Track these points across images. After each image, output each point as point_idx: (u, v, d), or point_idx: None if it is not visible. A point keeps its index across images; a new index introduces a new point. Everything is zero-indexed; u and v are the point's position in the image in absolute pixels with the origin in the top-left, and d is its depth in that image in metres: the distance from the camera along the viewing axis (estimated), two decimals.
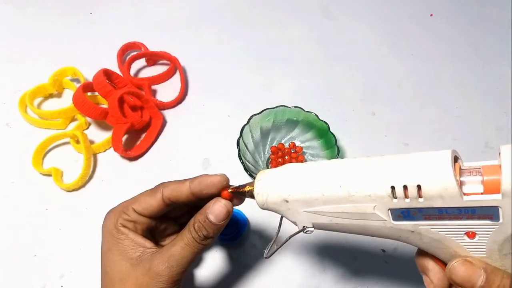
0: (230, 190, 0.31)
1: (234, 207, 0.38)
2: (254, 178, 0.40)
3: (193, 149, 0.48)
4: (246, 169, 0.41)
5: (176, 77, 0.55)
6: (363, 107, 0.53)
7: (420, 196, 0.23)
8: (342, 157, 0.48)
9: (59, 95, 0.52)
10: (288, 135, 0.48)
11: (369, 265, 0.41)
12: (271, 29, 0.62)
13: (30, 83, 0.50)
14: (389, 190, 0.24)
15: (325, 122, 0.45)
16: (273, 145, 0.47)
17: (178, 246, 0.30)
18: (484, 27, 0.65)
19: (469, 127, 0.52)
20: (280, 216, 0.30)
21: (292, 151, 0.46)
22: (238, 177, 0.45)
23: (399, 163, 0.24)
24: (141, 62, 0.56)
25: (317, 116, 0.45)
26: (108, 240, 0.31)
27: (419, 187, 0.23)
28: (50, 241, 0.41)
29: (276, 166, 0.45)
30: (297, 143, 0.47)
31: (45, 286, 0.38)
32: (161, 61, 0.57)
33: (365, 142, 0.50)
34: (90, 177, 0.45)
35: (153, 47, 0.56)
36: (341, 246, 0.42)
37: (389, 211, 0.25)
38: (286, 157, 0.45)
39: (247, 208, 0.42)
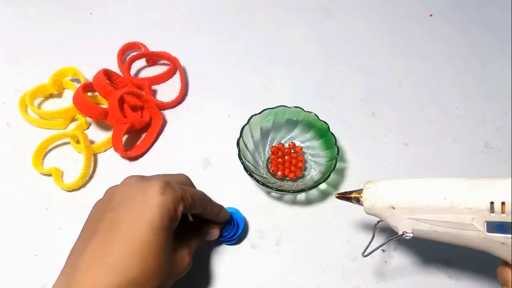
0: (337, 195, 0.36)
1: (232, 207, 0.41)
2: (254, 178, 0.40)
3: (193, 149, 0.48)
4: (246, 169, 0.41)
5: (176, 77, 0.55)
6: (363, 107, 0.53)
7: None
8: (342, 157, 0.48)
9: (59, 95, 0.52)
10: (288, 135, 0.48)
11: (369, 265, 0.41)
12: (271, 29, 0.62)
13: (31, 83, 0.50)
14: (489, 205, 0.28)
15: (325, 122, 0.45)
16: (273, 145, 0.47)
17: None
18: (484, 27, 0.65)
19: (469, 127, 0.52)
20: (377, 221, 0.34)
21: (292, 151, 0.46)
22: (238, 177, 0.45)
23: (499, 183, 0.29)
24: (141, 62, 0.56)
25: (317, 116, 0.45)
26: (162, 217, 0.29)
27: None
28: (50, 241, 0.41)
29: (276, 166, 0.45)
30: (297, 143, 0.47)
31: (45, 286, 0.38)
32: (161, 61, 0.57)
33: (365, 142, 0.50)
34: (90, 177, 0.45)
35: (153, 47, 0.56)
36: (341, 246, 0.42)
37: (485, 223, 0.29)
38: (286, 157, 0.45)
39: (246, 209, 0.43)
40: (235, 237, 0.40)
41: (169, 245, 0.30)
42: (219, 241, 0.41)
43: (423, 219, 0.31)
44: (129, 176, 0.33)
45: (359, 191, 0.34)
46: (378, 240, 0.43)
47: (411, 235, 0.32)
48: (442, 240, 0.31)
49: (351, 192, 0.35)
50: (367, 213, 0.34)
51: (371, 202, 0.33)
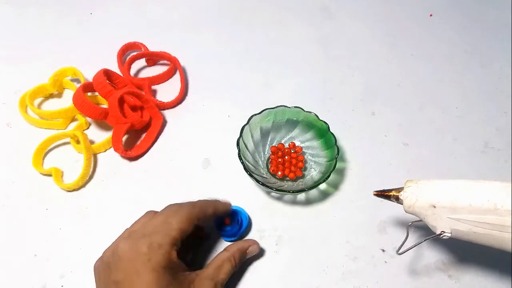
0: (375, 193, 0.36)
1: (236, 205, 0.42)
2: (254, 178, 0.40)
3: (193, 149, 0.48)
4: (246, 169, 0.41)
5: (176, 77, 0.55)
6: (363, 107, 0.53)
7: None
8: (342, 157, 0.48)
9: (59, 95, 0.52)
10: (288, 135, 0.48)
11: (369, 265, 0.41)
12: (271, 29, 0.62)
13: (31, 83, 0.50)
14: None
15: (325, 122, 0.45)
16: (273, 145, 0.47)
17: (223, 274, 0.35)
18: (484, 27, 0.65)
19: (469, 127, 0.52)
20: (414, 220, 0.34)
21: (292, 151, 0.46)
22: (238, 177, 0.45)
23: None
24: (141, 62, 0.56)
25: (317, 116, 0.45)
26: (166, 277, 0.30)
27: None
28: (50, 241, 0.41)
29: (276, 166, 0.45)
30: (297, 143, 0.47)
31: (45, 286, 0.38)
32: (161, 61, 0.57)
33: (365, 142, 0.50)
34: (90, 177, 0.45)
35: (153, 47, 0.56)
36: (341, 246, 0.42)
37: None
38: (286, 157, 0.45)
39: (246, 209, 0.43)
40: (237, 233, 0.40)
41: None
42: (220, 236, 0.41)
43: (464, 219, 0.31)
44: (120, 240, 0.34)
45: (399, 189, 0.35)
46: (388, 239, 0.43)
47: (449, 235, 0.32)
48: (480, 242, 0.31)
49: (390, 190, 0.35)
50: (406, 211, 0.34)
51: (411, 201, 0.33)
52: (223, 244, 0.41)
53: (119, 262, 0.31)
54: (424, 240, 0.34)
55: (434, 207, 0.32)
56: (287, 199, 0.45)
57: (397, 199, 0.34)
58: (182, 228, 0.33)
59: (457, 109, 0.54)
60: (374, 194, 0.36)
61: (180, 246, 0.33)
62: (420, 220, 0.34)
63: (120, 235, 0.35)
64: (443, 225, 0.32)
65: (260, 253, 0.41)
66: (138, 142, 0.48)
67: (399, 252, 0.34)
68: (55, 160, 0.46)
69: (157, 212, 0.36)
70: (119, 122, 0.45)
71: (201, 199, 0.39)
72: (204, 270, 0.34)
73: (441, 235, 0.32)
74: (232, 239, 0.41)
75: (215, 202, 0.39)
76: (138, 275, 0.30)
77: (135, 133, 0.49)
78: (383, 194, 0.36)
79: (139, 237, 0.32)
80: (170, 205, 0.36)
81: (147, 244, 0.31)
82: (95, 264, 0.34)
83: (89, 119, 0.49)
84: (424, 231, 0.42)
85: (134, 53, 0.54)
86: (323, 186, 0.45)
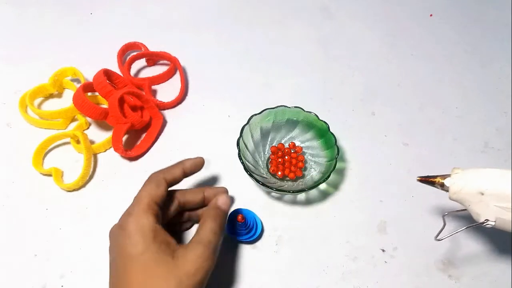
0: (418, 179, 0.36)
1: (250, 210, 0.42)
2: (254, 178, 0.40)
3: (193, 149, 0.48)
4: (246, 169, 0.41)
5: (176, 77, 0.55)
6: (363, 107, 0.53)
7: None
8: (342, 157, 0.48)
9: (59, 95, 0.52)
10: (288, 135, 0.48)
11: (369, 265, 0.41)
12: (271, 29, 0.62)
13: (31, 83, 0.50)
14: None
15: (325, 122, 0.45)
16: (273, 145, 0.47)
17: (206, 232, 0.34)
18: (484, 27, 0.65)
19: (469, 127, 0.52)
20: (451, 210, 0.36)
21: (292, 151, 0.46)
22: (238, 177, 0.45)
23: None
24: (141, 62, 0.56)
25: (317, 116, 0.45)
26: (142, 240, 0.31)
27: None
28: (50, 241, 0.41)
29: (276, 166, 0.45)
30: (297, 143, 0.47)
31: (45, 286, 0.38)
32: (161, 61, 0.57)
33: (365, 142, 0.50)
34: (90, 177, 0.45)
35: (153, 47, 0.56)
36: (341, 246, 0.42)
37: None
38: (286, 157, 0.45)
39: (250, 208, 0.43)
40: (254, 233, 0.41)
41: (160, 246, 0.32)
42: (236, 239, 0.41)
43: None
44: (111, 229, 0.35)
45: (445, 176, 0.34)
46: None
47: (493, 223, 0.32)
48: None
49: (435, 177, 0.35)
50: (450, 198, 0.34)
51: (458, 187, 0.33)
52: (223, 245, 0.41)
53: (110, 243, 0.33)
54: (466, 228, 0.34)
55: (482, 194, 0.32)
56: (287, 199, 0.45)
57: (442, 186, 0.34)
58: (151, 193, 0.34)
59: (457, 109, 0.54)
60: (418, 180, 0.36)
61: (158, 212, 0.34)
62: (457, 210, 0.34)
63: None
64: (488, 214, 0.32)
65: (260, 253, 0.41)
66: (138, 142, 0.48)
67: (437, 238, 0.35)
68: (55, 160, 0.46)
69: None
70: (119, 122, 0.45)
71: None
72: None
73: (485, 224, 0.32)
74: (247, 236, 0.40)
75: (182, 161, 0.39)
76: (120, 248, 0.32)
77: (135, 133, 0.49)
78: (427, 180, 0.35)
79: (122, 215, 0.34)
80: (148, 178, 0.37)
81: (123, 217, 0.33)
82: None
83: (89, 119, 0.49)
84: (457, 221, 0.43)
85: (134, 53, 0.54)
86: (323, 186, 0.45)
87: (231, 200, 0.43)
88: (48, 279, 0.38)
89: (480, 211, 0.32)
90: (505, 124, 0.53)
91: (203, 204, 0.39)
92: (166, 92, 0.53)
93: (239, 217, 0.39)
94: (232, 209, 0.42)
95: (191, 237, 0.34)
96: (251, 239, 0.40)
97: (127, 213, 0.33)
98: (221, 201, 0.37)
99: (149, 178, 0.36)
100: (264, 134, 0.47)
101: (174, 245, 0.33)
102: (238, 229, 0.39)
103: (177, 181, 0.37)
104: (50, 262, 0.39)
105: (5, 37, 0.57)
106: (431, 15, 0.66)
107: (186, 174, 0.38)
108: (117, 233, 0.33)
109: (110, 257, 0.33)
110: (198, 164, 0.39)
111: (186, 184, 0.45)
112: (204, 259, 0.32)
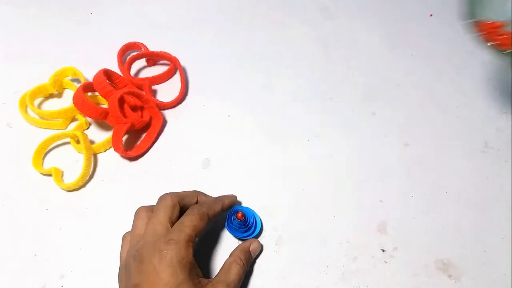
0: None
1: (250, 208, 0.43)
2: None
3: (193, 149, 0.48)
4: None
5: (176, 77, 0.55)
6: (363, 107, 0.53)
7: None
8: (342, 157, 0.48)
9: (59, 95, 0.52)
10: None
11: (369, 265, 0.41)
12: (271, 29, 0.62)
13: (31, 83, 0.50)
14: None
15: None
16: None
17: (233, 277, 0.35)
18: None
19: (469, 127, 0.52)
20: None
21: None
22: (238, 177, 0.45)
23: None
24: (142, 62, 0.56)
25: None
26: (181, 272, 0.31)
27: None
28: (50, 241, 0.41)
29: None
30: None
31: (45, 286, 0.38)
32: (161, 61, 0.57)
33: (365, 142, 0.50)
34: (90, 177, 0.45)
35: (153, 47, 0.56)
36: (341, 246, 0.42)
37: None
38: None
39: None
40: (253, 230, 0.41)
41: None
42: (237, 238, 0.41)
43: None
44: (134, 244, 0.34)
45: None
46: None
47: None
48: None
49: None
50: None
51: None
52: (223, 245, 0.41)
53: (139, 265, 0.32)
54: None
55: None
56: (287, 199, 0.45)
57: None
58: (195, 225, 0.34)
59: (457, 109, 0.54)
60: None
61: (195, 245, 0.33)
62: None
63: (129, 239, 0.35)
64: None
65: (260, 253, 0.41)
66: (138, 142, 0.48)
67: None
68: (55, 160, 0.46)
69: (151, 206, 0.37)
70: (119, 122, 0.45)
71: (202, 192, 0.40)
72: (215, 277, 0.35)
73: None
74: (246, 234, 0.41)
75: (221, 197, 0.40)
76: (156, 273, 0.30)
77: (135, 133, 0.49)
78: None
79: (153, 238, 0.33)
80: (163, 197, 0.36)
81: (164, 242, 0.32)
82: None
83: (89, 119, 0.49)
84: None
85: (134, 53, 0.54)
86: (323, 185, 0.45)
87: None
88: (48, 279, 0.38)
89: None
90: (505, 124, 0.53)
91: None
92: (166, 92, 0.53)
93: (239, 215, 0.38)
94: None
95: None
96: (250, 237, 0.40)
97: (167, 240, 0.32)
98: (254, 246, 0.39)
99: (191, 208, 0.36)
100: None
101: (202, 279, 0.33)
102: (237, 226, 0.40)
103: (215, 217, 0.38)
104: (50, 262, 0.39)
105: (5, 37, 0.57)
106: (431, 15, 0.66)
107: (221, 212, 0.39)
108: (152, 257, 0.31)
109: (132, 281, 0.31)
110: (234, 202, 0.42)
111: (183, 184, 0.45)
112: None
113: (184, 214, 0.35)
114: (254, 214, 0.42)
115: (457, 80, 0.58)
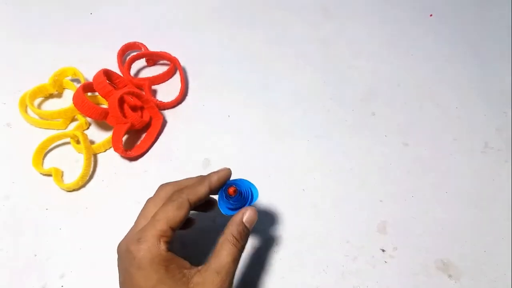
0: None
1: (245, 178, 0.36)
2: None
3: (193, 149, 0.48)
4: None
5: (176, 77, 0.55)
6: (363, 107, 0.53)
7: None
8: (341, 157, 0.48)
9: (59, 95, 0.52)
10: None
11: (369, 265, 0.41)
12: (271, 29, 0.62)
13: (31, 83, 0.50)
14: None
15: None
16: None
17: (225, 259, 0.30)
18: (484, 27, 0.65)
19: (469, 127, 0.52)
20: None
21: None
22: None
23: None
24: (141, 62, 0.56)
25: None
26: (154, 272, 0.28)
27: None
28: (50, 241, 0.41)
29: None
30: None
31: (45, 286, 0.38)
32: (161, 61, 0.57)
33: (365, 142, 0.50)
34: (90, 177, 0.45)
35: (153, 47, 0.56)
36: (341, 246, 0.42)
37: None
38: None
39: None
40: (249, 202, 0.34)
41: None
42: (226, 212, 0.34)
43: None
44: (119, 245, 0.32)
45: None
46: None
47: None
48: None
49: None
50: None
51: None
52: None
53: (119, 264, 0.31)
54: None
55: None
56: (287, 199, 0.45)
57: None
58: (169, 217, 0.30)
59: (457, 109, 0.54)
60: None
61: (172, 237, 0.30)
62: None
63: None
64: None
65: (260, 253, 0.41)
66: (138, 142, 0.48)
67: None
68: (55, 160, 0.46)
69: (177, 184, 0.34)
70: (119, 122, 0.45)
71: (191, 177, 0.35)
72: (205, 263, 0.30)
73: None
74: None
75: (207, 176, 0.33)
76: (130, 276, 0.29)
77: (135, 133, 0.49)
78: None
79: (130, 234, 0.31)
80: (162, 186, 0.34)
81: (133, 241, 0.29)
82: None
83: (89, 119, 0.49)
84: None
85: (134, 53, 0.54)
86: (323, 186, 0.45)
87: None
88: (48, 279, 0.38)
89: None
90: (505, 124, 0.53)
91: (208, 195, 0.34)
92: (166, 92, 0.53)
93: (230, 190, 0.33)
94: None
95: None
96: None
97: (137, 239, 0.29)
98: (248, 217, 0.32)
99: (170, 196, 0.32)
100: None
101: (189, 270, 0.29)
102: (233, 205, 0.33)
103: (201, 201, 0.32)
104: (50, 262, 0.39)
105: (5, 37, 0.57)
106: (431, 15, 0.66)
107: (212, 192, 0.33)
108: (126, 259, 0.29)
109: (119, 279, 0.30)
110: (225, 177, 0.34)
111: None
112: None
113: (160, 195, 0.32)
114: (250, 186, 0.35)
115: (457, 80, 0.58)
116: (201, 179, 0.33)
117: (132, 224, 0.37)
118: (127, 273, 0.29)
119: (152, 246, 0.29)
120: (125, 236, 0.32)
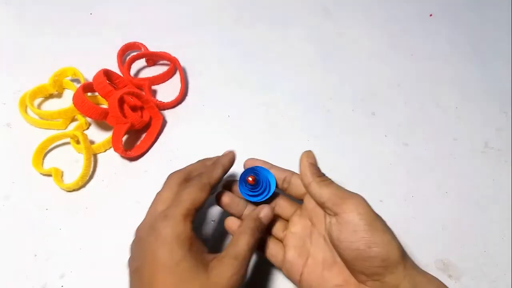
0: None
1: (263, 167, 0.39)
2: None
3: (193, 149, 0.48)
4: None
5: (176, 77, 0.55)
6: (363, 107, 0.53)
7: None
8: (341, 157, 0.48)
9: (59, 95, 0.52)
10: None
11: None
12: (271, 29, 0.62)
13: (30, 83, 0.50)
14: None
15: None
16: None
17: (243, 247, 0.31)
18: (484, 27, 0.65)
19: (469, 127, 0.52)
20: None
21: None
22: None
23: None
24: (141, 62, 0.56)
25: None
26: (179, 248, 0.29)
27: None
28: (50, 241, 0.41)
29: None
30: None
31: (45, 286, 0.38)
32: (161, 61, 0.57)
33: (365, 142, 0.50)
34: (90, 177, 0.45)
35: (153, 47, 0.56)
36: None
37: None
38: None
39: None
40: (268, 192, 0.37)
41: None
42: (248, 199, 0.37)
43: None
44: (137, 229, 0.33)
45: None
46: None
47: None
48: None
49: None
50: None
51: None
52: (224, 244, 0.41)
53: (138, 247, 0.31)
54: None
55: None
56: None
57: None
58: (194, 198, 0.31)
59: (457, 109, 0.54)
60: None
61: (195, 218, 0.31)
62: None
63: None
64: None
65: (260, 253, 0.41)
66: (138, 142, 0.48)
67: None
68: (55, 160, 0.46)
69: (164, 186, 0.35)
70: (119, 122, 0.45)
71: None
72: (223, 251, 0.32)
73: None
74: (259, 198, 0.37)
75: (219, 159, 0.36)
76: (154, 253, 0.29)
77: (135, 133, 0.49)
78: None
79: (150, 216, 0.32)
80: (171, 175, 0.35)
81: (159, 218, 0.30)
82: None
83: (89, 119, 0.49)
84: None
85: (134, 53, 0.54)
86: None
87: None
88: (48, 279, 0.38)
89: None
90: (505, 124, 0.53)
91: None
92: (166, 92, 0.53)
93: (249, 179, 0.35)
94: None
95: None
96: (262, 199, 0.37)
97: (163, 216, 0.30)
98: (264, 213, 0.35)
99: (191, 181, 0.34)
100: None
101: (207, 255, 0.31)
102: (249, 191, 0.36)
103: (218, 184, 0.35)
104: (50, 262, 0.39)
105: (5, 37, 0.57)
106: (431, 15, 0.66)
107: (225, 174, 0.36)
108: (148, 236, 0.30)
109: (133, 264, 0.30)
110: (233, 159, 0.37)
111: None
112: (239, 276, 0.30)
113: (183, 187, 0.33)
114: (267, 176, 0.37)
115: (457, 80, 0.58)
116: (214, 164, 0.36)
117: (133, 223, 0.37)
118: (149, 252, 0.29)
119: (179, 223, 0.29)
120: (144, 220, 0.33)
